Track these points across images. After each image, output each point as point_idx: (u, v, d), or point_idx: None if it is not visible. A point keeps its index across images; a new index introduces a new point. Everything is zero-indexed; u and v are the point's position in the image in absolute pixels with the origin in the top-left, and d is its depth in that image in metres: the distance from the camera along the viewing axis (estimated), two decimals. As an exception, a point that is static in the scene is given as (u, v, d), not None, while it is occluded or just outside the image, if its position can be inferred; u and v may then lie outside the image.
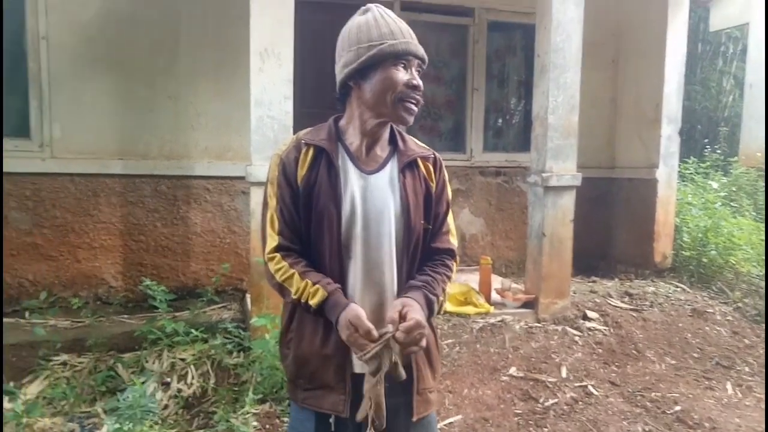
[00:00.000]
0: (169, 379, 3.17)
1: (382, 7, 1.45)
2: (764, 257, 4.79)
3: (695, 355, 3.84)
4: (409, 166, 1.47)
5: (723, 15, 10.84)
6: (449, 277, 1.50)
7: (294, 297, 1.37)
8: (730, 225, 5.20)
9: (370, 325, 1.30)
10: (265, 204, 1.45)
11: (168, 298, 3.51)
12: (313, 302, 1.34)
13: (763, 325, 4.26)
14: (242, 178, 3.72)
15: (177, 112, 4.36)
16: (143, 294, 3.85)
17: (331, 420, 1.40)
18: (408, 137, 1.54)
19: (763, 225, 5.63)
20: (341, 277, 1.41)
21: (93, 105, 4.17)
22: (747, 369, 3.72)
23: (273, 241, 1.41)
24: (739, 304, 4.52)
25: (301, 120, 3.45)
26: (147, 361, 3.29)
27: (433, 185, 1.50)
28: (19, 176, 4.02)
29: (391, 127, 1.52)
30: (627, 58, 5.65)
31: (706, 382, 3.53)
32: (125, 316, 3.97)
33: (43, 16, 4.00)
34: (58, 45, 4.06)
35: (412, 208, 1.43)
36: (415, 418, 1.43)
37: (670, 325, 4.10)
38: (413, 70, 1.41)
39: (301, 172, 1.41)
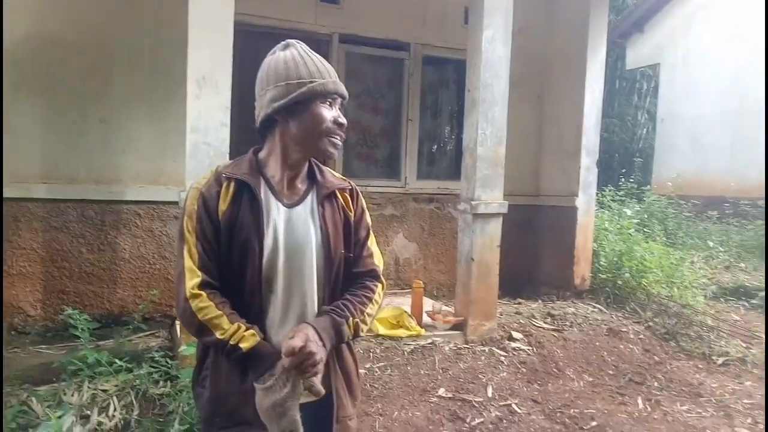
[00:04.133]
0: (89, 412, 3.04)
1: (303, 44, 1.48)
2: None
3: (610, 372, 4.08)
4: (327, 198, 1.50)
5: (637, 55, 11.86)
6: (370, 298, 1.51)
7: (219, 338, 1.33)
8: (642, 249, 5.60)
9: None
10: (182, 238, 1.41)
11: (91, 327, 3.38)
12: (244, 345, 1.33)
13: (671, 342, 4.62)
14: (175, 203, 3.68)
15: (108, 135, 4.26)
16: (64, 323, 3.69)
17: None
18: (326, 169, 1.57)
19: (671, 249, 6.12)
20: (261, 311, 1.41)
21: (18, 128, 4.01)
22: (656, 384, 3.97)
23: (196, 277, 1.36)
24: (650, 323, 4.84)
25: (239, 146, 3.45)
26: (65, 394, 3.13)
27: (352, 214, 1.55)
28: (-70, 199, 3.80)
29: (309, 160, 1.54)
30: (550, 94, 6.02)
31: (620, 398, 3.74)
32: (43, 346, 3.79)
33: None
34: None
35: (332, 239, 1.46)
36: None
37: (588, 344, 4.34)
38: (337, 108, 1.46)
39: (223, 206, 1.41)
